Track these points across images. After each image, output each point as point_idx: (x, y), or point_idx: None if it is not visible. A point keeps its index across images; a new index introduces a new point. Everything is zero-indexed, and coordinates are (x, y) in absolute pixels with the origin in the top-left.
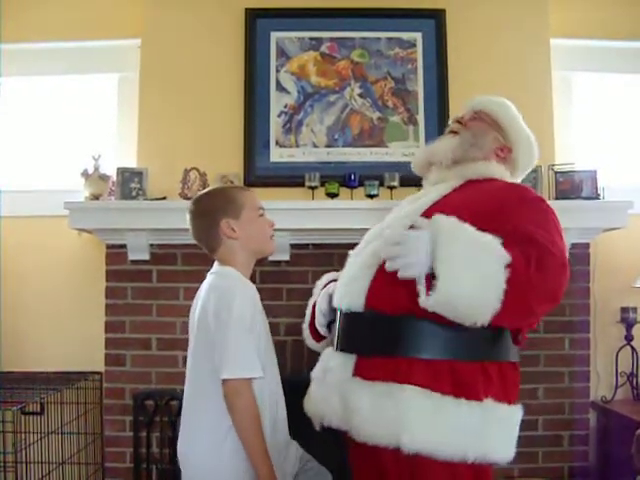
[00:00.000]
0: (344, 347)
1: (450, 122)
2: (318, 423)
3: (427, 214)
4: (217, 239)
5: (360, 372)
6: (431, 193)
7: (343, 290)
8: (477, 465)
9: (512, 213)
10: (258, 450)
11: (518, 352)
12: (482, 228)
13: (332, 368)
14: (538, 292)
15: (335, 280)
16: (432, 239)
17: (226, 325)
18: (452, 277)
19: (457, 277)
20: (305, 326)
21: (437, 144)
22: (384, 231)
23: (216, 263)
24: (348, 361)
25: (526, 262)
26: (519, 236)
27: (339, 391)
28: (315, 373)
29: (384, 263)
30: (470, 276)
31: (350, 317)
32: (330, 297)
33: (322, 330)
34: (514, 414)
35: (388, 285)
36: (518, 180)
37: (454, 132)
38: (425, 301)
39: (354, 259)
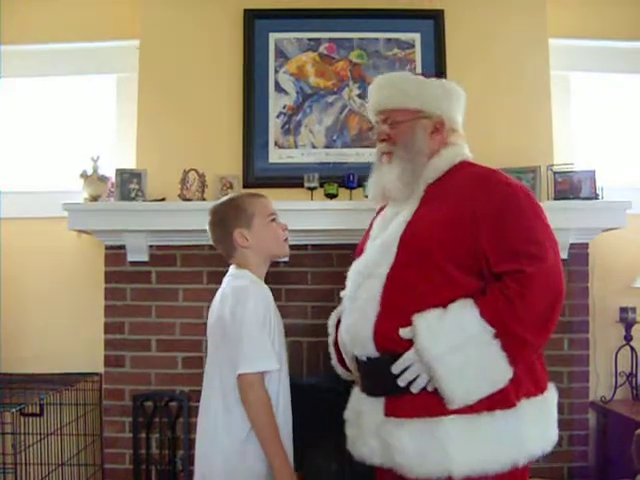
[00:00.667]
0: (371, 392)
1: (374, 136)
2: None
3: (404, 239)
4: (232, 247)
5: (392, 412)
6: (401, 213)
7: (350, 337)
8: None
9: (488, 219)
10: (272, 441)
11: None
12: (459, 237)
13: (364, 411)
14: (530, 323)
15: None
16: (422, 356)
17: (241, 322)
18: (458, 389)
19: (463, 387)
20: (334, 363)
21: (383, 179)
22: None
23: (233, 266)
24: (377, 403)
25: (508, 301)
26: (504, 256)
27: (376, 433)
28: (347, 415)
29: (383, 304)
30: (473, 378)
31: (368, 364)
32: None
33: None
34: (548, 400)
35: (394, 325)
36: (460, 121)
37: (387, 153)
38: (451, 405)
39: (350, 304)
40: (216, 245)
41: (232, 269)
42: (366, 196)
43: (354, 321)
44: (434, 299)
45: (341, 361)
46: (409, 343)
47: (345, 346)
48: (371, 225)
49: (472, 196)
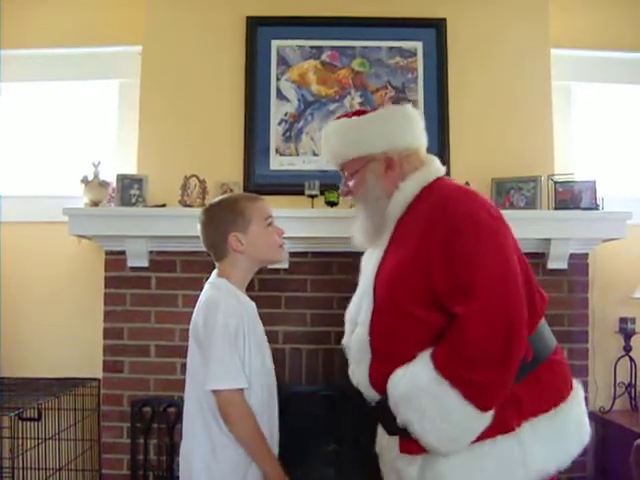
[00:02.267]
0: (387, 431)
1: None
2: None
3: (376, 285)
4: (225, 250)
5: (405, 449)
6: (374, 254)
7: (355, 385)
8: None
9: (437, 254)
10: (260, 452)
11: (543, 349)
12: (415, 276)
13: (384, 446)
14: (482, 364)
15: None
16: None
17: (212, 336)
18: (430, 439)
19: (433, 437)
20: None
21: (354, 232)
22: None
23: (214, 272)
24: (393, 440)
25: (452, 349)
26: (447, 292)
27: (394, 468)
28: (377, 449)
29: (373, 351)
30: (440, 428)
31: (377, 407)
32: None
33: None
34: (563, 411)
35: (386, 370)
36: (411, 139)
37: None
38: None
39: (348, 353)
40: (207, 247)
41: (213, 276)
42: None
43: (353, 370)
44: (412, 341)
45: None
46: None
47: None
48: None
49: (428, 229)
